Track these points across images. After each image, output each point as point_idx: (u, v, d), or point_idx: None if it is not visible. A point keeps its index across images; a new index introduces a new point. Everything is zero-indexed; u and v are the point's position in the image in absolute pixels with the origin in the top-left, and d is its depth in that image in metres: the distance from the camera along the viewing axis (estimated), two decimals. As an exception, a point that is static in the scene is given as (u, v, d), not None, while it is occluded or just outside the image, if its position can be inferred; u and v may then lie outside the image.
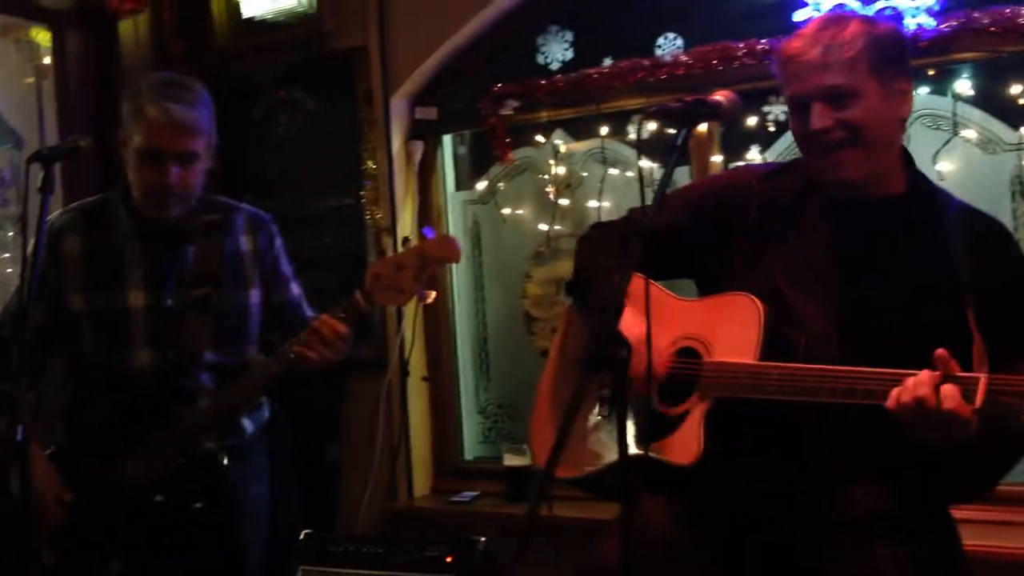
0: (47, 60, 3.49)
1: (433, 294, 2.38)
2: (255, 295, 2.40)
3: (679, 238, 1.92)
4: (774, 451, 1.79)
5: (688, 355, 1.85)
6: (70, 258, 2.32)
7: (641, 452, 1.83)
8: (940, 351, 1.55)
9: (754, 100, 2.89)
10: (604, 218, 3.19)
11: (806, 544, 1.80)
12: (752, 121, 2.93)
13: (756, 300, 1.78)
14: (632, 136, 3.19)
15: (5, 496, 1.94)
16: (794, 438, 1.77)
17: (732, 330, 1.80)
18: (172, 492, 2.25)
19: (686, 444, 1.74)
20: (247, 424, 2.44)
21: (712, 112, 1.70)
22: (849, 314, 1.79)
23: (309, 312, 2.49)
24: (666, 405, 1.85)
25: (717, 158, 3.00)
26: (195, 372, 2.30)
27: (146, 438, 2.24)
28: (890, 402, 1.58)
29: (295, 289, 2.49)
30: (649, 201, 1.70)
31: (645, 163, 3.18)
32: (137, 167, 2.25)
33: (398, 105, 3.46)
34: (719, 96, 1.71)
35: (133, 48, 3.57)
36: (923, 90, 2.77)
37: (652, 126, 3.12)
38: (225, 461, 2.32)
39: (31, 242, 2.05)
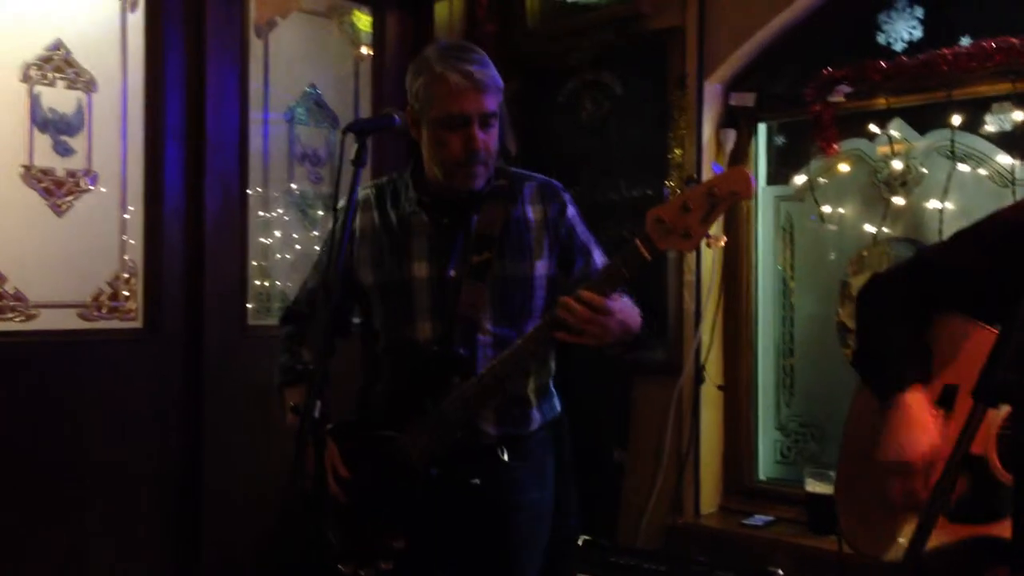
0: (364, 50, 3.57)
1: (723, 240, 2.11)
2: (541, 266, 2.24)
3: (989, 282, 1.66)
4: None
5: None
6: (363, 233, 2.31)
7: (986, 534, 1.57)
8: None
9: None
10: (947, 221, 2.77)
11: None
12: None
13: None
14: (990, 127, 2.74)
15: (299, 474, 1.92)
16: None
17: None
18: (448, 468, 2.16)
19: None
20: (535, 415, 2.29)
21: None
22: None
23: None
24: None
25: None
26: (472, 342, 2.18)
27: (423, 410, 2.16)
28: None
29: (599, 257, 2.29)
30: None
31: (1004, 159, 2.72)
32: (440, 139, 2.16)
33: (712, 90, 3.23)
34: None
35: (447, 30, 3.59)
36: None
37: (1017, 115, 2.66)
38: (505, 456, 2.19)
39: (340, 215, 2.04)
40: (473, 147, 2.13)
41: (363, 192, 2.33)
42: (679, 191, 1.98)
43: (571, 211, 2.29)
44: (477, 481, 2.17)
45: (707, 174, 3.11)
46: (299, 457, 1.87)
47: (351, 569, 2.19)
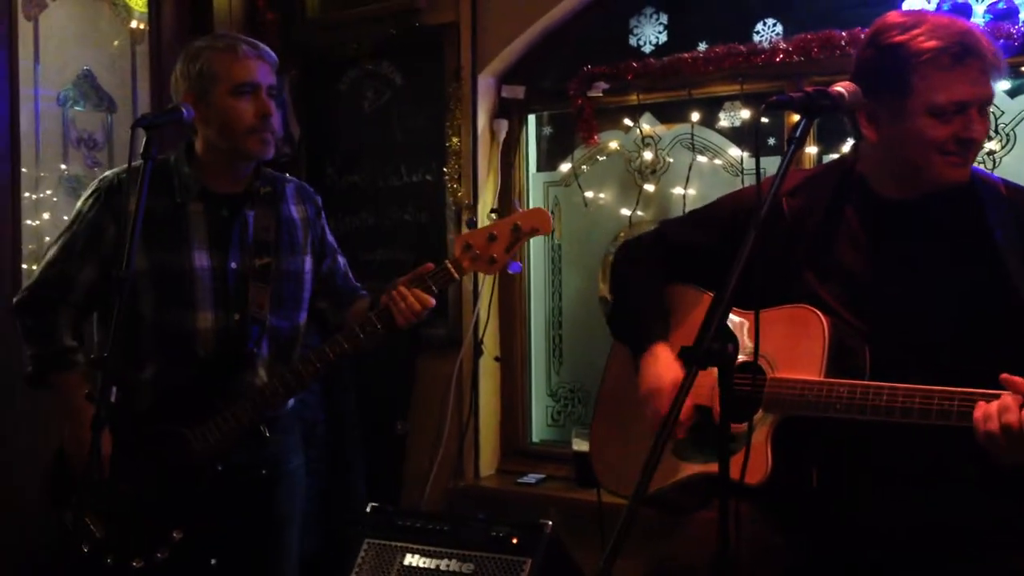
0: (134, 23, 3.53)
1: (521, 267, 2.40)
2: (308, 262, 2.43)
3: (714, 257, 1.91)
4: (846, 463, 1.77)
5: (750, 370, 1.83)
6: (130, 215, 2.24)
7: (709, 471, 1.82)
8: (1005, 376, 1.54)
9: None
10: (689, 205, 3.14)
11: (886, 556, 1.76)
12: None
13: (819, 313, 1.78)
14: (724, 123, 3.12)
15: (96, 464, 1.94)
16: (867, 448, 1.74)
17: (796, 344, 1.78)
18: (229, 461, 2.27)
19: (753, 463, 1.69)
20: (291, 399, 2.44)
21: (834, 104, 1.64)
22: (894, 320, 1.77)
23: (354, 282, 2.53)
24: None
25: (812, 149, 2.91)
26: (259, 338, 2.31)
27: (212, 407, 2.25)
28: (978, 433, 1.55)
29: (341, 259, 2.54)
30: (762, 189, 1.65)
31: (735, 151, 3.11)
32: (232, 107, 2.25)
33: (485, 83, 3.44)
34: (840, 87, 1.66)
35: (226, 17, 3.60)
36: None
37: (745, 113, 3.05)
38: (268, 433, 2.32)
39: (132, 200, 2.04)
40: (266, 111, 2.26)
41: (126, 175, 2.27)
42: (488, 220, 2.32)
43: (323, 215, 2.51)
44: (265, 472, 2.33)
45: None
46: (96, 446, 1.88)
47: (122, 561, 2.19)
